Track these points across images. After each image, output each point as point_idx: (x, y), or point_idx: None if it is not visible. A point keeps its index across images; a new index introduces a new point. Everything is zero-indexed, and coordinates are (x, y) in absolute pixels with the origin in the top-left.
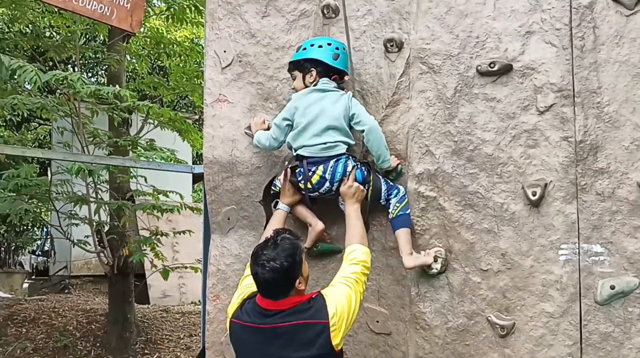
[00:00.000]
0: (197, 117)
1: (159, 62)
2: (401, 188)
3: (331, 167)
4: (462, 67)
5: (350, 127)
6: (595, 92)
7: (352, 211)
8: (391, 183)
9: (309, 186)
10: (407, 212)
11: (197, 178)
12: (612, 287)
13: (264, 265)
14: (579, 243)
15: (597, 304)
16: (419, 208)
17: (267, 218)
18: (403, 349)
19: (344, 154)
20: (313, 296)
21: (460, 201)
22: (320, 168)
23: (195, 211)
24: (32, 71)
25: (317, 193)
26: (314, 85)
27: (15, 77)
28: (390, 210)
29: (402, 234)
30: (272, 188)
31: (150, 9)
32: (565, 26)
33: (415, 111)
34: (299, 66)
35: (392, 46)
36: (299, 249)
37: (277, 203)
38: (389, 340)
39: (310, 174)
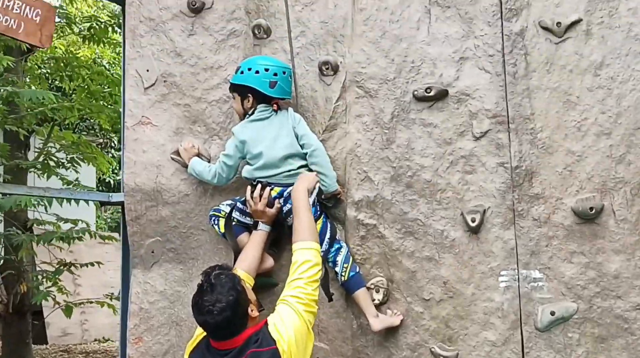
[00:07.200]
0: (100, 140)
1: (57, 83)
2: (343, 243)
3: (288, 192)
4: (399, 91)
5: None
6: (529, 119)
7: (302, 196)
8: (335, 237)
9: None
10: (358, 271)
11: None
12: (552, 313)
13: (210, 310)
14: (518, 269)
15: (538, 331)
16: (358, 236)
17: (235, 251)
18: None
19: None
20: (262, 326)
21: (401, 228)
22: (277, 188)
23: (105, 240)
24: None
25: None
26: (252, 112)
27: None
28: (339, 272)
29: (361, 295)
30: (232, 217)
31: (67, 28)
32: (498, 52)
33: (353, 136)
34: (237, 89)
35: (327, 68)
36: (237, 278)
37: (241, 229)
38: None
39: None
